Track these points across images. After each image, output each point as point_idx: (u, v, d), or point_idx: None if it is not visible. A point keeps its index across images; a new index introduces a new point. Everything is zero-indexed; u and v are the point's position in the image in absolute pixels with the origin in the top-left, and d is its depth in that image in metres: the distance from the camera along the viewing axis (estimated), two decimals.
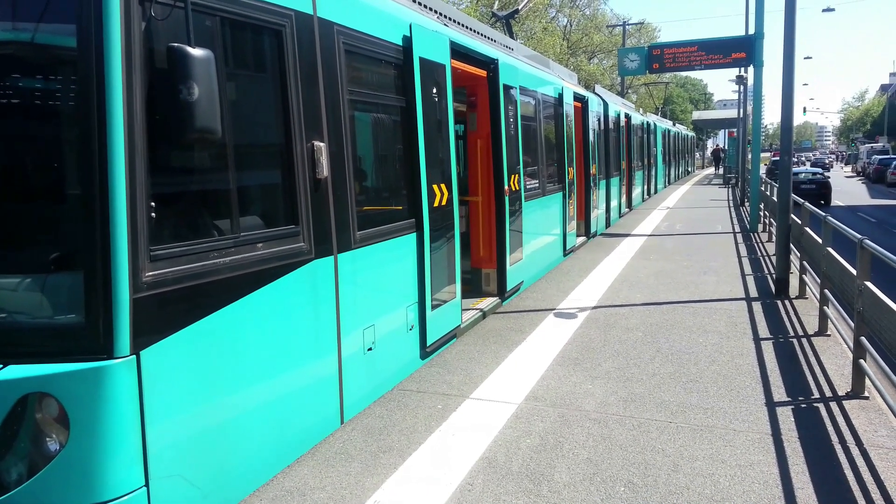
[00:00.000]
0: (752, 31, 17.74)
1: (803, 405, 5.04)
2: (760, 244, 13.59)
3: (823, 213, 7.41)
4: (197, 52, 3.18)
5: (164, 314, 3.26)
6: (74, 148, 3.16)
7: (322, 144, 4.39)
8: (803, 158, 71.87)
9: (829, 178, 29.10)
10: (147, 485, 3.18)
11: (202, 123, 3.19)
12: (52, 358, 3.03)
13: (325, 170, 4.41)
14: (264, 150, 4.22)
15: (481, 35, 8.38)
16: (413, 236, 5.75)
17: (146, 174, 3.16)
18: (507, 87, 8.22)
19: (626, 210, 19.92)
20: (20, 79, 3.44)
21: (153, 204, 3.20)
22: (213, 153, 3.65)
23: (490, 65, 7.84)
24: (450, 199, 6.45)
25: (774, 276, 9.07)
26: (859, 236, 5.35)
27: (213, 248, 3.53)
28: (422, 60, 5.87)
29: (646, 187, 24.89)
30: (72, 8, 3.08)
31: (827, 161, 68.13)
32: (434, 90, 6.17)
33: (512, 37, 12.64)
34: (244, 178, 3.91)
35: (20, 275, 3.24)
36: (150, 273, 3.16)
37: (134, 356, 3.09)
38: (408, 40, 5.70)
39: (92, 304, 3.03)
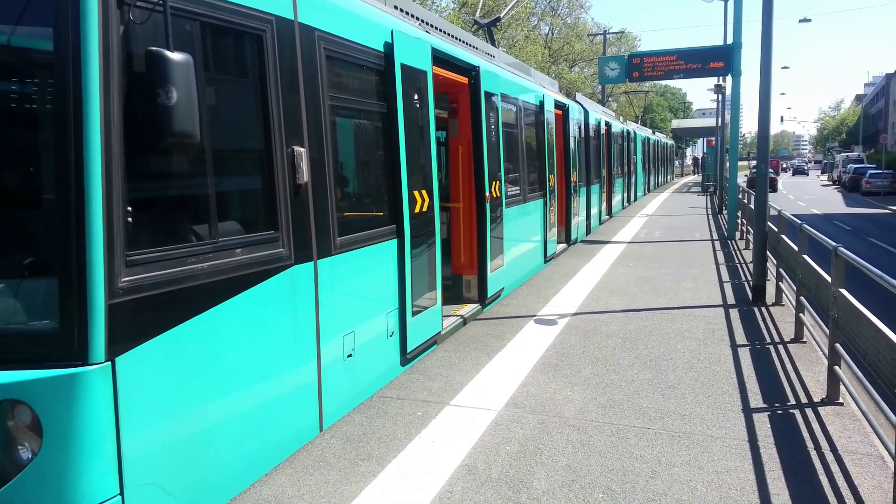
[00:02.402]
0: (730, 40, 17.99)
1: (779, 411, 5.10)
2: (738, 251, 13.75)
3: (800, 222, 7.51)
4: (176, 56, 3.16)
5: (140, 320, 3.22)
6: (50, 152, 3.13)
7: (302, 150, 4.37)
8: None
9: (776, 176, 47.55)
10: (122, 493, 3.13)
11: (180, 128, 3.17)
12: (26, 364, 2.98)
13: (305, 175, 4.39)
14: (244, 155, 4.19)
15: (463, 42, 8.40)
16: (394, 242, 5.74)
17: (123, 179, 3.12)
18: (489, 94, 8.25)
19: (607, 217, 20.06)
20: None
21: (130, 209, 3.17)
22: (191, 158, 3.62)
23: (472, 72, 7.87)
24: (431, 206, 6.46)
25: (751, 283, 9.17)
26: (834, 244, 5.43)
27: (190, 253, 3.50)
28: (403, 67, 5.87)
29: (626, 195, 25.09)
30: (49, 11, 3.05)
31: (805, 167, 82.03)
32: (415, 96, 6.18)
33: (494, 44, 12.69)
34: (223, 183, 3.88)
35: None
36: (126, 278, 3.13)
37: (109, 363, 3.05)
38: (389, 46, 5.71)
39: (66, 310, 2.99)
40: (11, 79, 3.41)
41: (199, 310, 3.54)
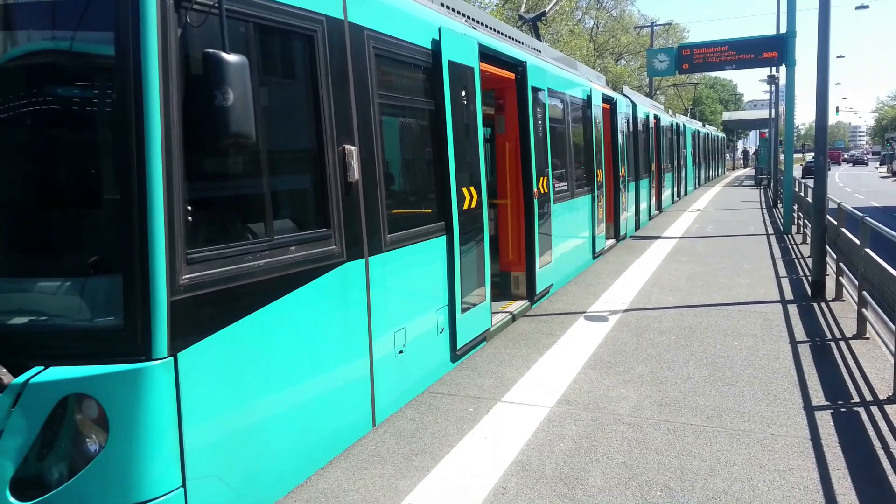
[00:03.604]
0: (783, 29, 17.46)
1: (843, 409, 4.93)
2: (795, 246, 13.34)
3: (861, 214, 7.25)
4: (231, 57, 3.22)
5: (200, 316, 3.29)
6: (113, 153, 3.22)
7: (353, 148, 4.41)
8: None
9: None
10: (184, 485, 3.22)
11: (237, 128, 3.23)
12: (92, 360, 3.08)
13: (356, 173, 4.42)
14: (296, 154, 4.25)
15: (508, 37, 8.36)
16: (443, 239, 5.75)
17: (183, 178, 3.20)
18: (535, 90, 8.19)
19: (656, 212, 19.71)
20: (59, 86, 3.49)
21: (189, 208, 3.24)
22: (247, 157, 3.68)
23: (518, 67, 7.82)
24: (479, 202, 6.44)
25: (810, 278, 8.90)
26: None
27: (247, 250, 3.57)
28: (451, 63, 5.87)
29: (676, 189, 24.60)
30: (110, 16, 3.14)
31: (865, 158, 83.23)
32: (463, 93, 6.17)
33: (539, 39, 12.58)
34: (277, 182, 3.94)
35: (60, 278, 3.30)
36: (187, 276, 3.20)
37: (171, 358, 3.13)
38: (437, 44, 5.71)
39: (130, 307, 3.08)
40: (74, 82, 3.52)
41: (255, 306, 3.61)
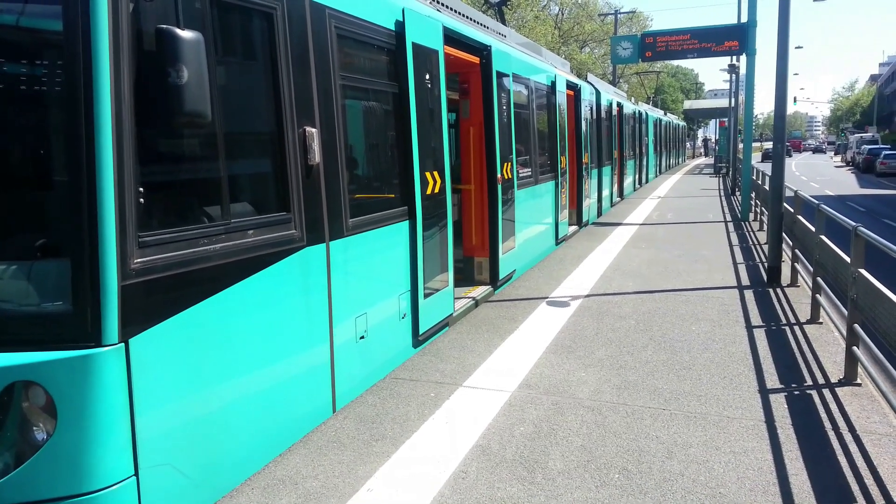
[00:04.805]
0: (745, 19, 17.72)
1: (796, 392, 5.05)
2: (752, 233, 13.62)
3: (817, 202, 7.41)
4: (186, 34, 3.11)
5: (153, 301, 3.20)
6: (61, 133, 3.10)
7: (314, 130, 4.33)
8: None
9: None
10: (137, 474, 3.14)
11: (191, 107, 3.13)
12: (39, 346, 2.97)
13: (316, 156, 4.35)
14: (255, 136, 4.16)
15: (474, 21, 8.30)
16: (405, 224, 5.70)
17: (134, 159, 3.09)
18: (500, 75, 8.16)
19: (618, 199, 19.92)
20: (4, 63, 3.36)
21: (141, 189, 3.14)
22: (202, 138, 3.58)
23: (483, 51, 7.77)
24: (442, 188, 6.41)
25: (766, 264, 9.09)
26: (853, 224, 5.35)
27: (203, 234, 3.48)
28: (415, 46, 5.80)
29: (637, 177, 24.90)
30: None
31: (824, 147, 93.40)
32: (427, 76, 6.11)
33: (504, 24, 12.53)
34: (234, 164, 3.85)
35: (6, 262, 3.18)
36: (139, 260, 3.11)
37: (122, 344, 3.04)
38: (400, 25, 5.63)
39: (79, 292, 2.98)
40: (21, 60, 3.38)
41: (211, 291, 3.53)
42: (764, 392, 5.05)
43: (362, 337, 5.02)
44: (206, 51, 3.21)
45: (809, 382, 5.25)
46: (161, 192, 3.41)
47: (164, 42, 3.08)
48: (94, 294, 2.97)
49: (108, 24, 2.98)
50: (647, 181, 27.94)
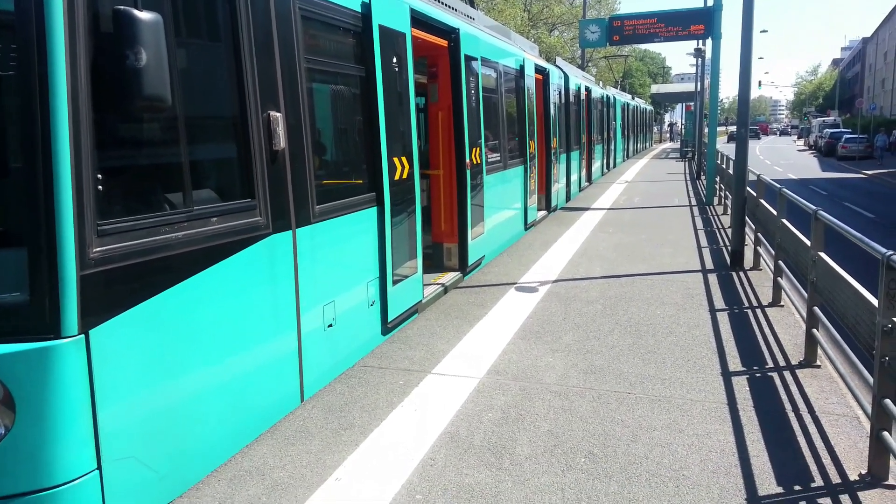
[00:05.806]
0: (710, 3, 17.86)
1: (758, 374, 5.16)
2: (716, 217, 13.84)
3: (779, 186, 7.54)
4: (145, 15, 3.02)
5: (113, 291, 3.13)
6: (15, 118, 2.99)
7: (278, 115, 4.26)
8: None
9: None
10: (99, 468, 3.08)
11: (150, 91, 3.05)
12: None
13: (282, 141, 4.28)
14: (218, 121, 4.07)
15: (442, 3, 8.22)
16: (374, 210, 5.66)
17: (92, 145, 3.00)
18: (469, 58, 8.12)
19: (587, 184, 20.06)
20: None
21: (100, 176, 3.06)
22: (163, 123, 3.50)
23: (451, 34, 7.71)
24: (411, 173, 6.37)
25: (730, 248, 9.24)
26: (814, 208, 5.45)
27: (164, 222, 3.40)
28: (381, 28, 5.73)
29: (605, 161, 25.07)
30: None
31: (790, 131, 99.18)
32: (394, 59, 6.04)
33: (473, 6, 12.44)
34: (197, 150, 3.77)
35: None
36: (98, 249, 3.03)
37: (82, 335, 2.97)
38: (367, 7, 5.55)
39: (37, 282, 2.90)
40: None
41: (174, 280, 3.46)
42: (726, 375, 5.15)
43: (330, 325, 4.99)
44: (165, 32, 3.13)
45: (770, 365, 5.36)
46: (120, 179, 3.33)
47: (122, 23, 3.00)
48: (52, 284, 2.89)
49: (62, 4, 2.88)
50: (615, 166, 28.17)
